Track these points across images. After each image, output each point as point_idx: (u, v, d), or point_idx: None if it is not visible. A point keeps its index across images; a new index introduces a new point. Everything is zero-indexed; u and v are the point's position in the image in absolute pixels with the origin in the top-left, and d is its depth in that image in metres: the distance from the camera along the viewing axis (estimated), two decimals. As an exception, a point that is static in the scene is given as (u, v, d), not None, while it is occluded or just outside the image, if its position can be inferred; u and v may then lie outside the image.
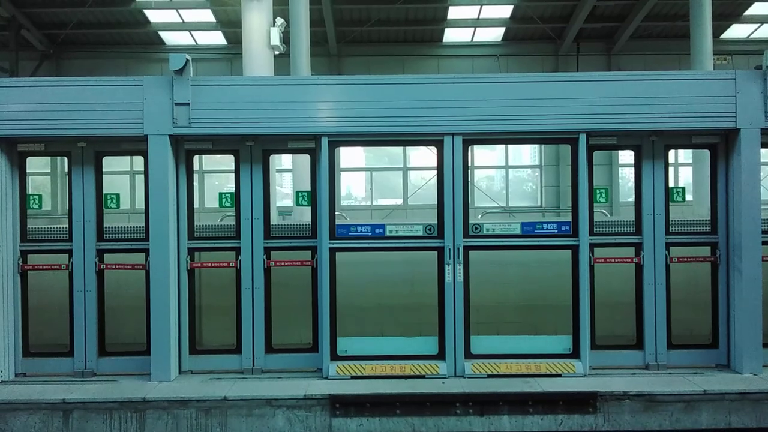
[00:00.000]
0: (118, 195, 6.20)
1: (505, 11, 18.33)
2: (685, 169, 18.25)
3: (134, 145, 6.09)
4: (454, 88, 5.95)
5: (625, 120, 5.91)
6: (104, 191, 6.18)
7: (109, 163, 6.30)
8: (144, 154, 5.93)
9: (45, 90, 5.93)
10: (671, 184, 6.22)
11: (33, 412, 5.38)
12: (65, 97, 5.88)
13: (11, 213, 6.09)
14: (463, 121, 5.92)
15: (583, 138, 5.96)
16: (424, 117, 5.91)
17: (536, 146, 19.02)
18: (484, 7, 17.95)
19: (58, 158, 15.94)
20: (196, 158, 6.32)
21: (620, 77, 6.17)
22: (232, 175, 6.26)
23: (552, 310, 6.31)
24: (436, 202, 6.10)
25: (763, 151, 6.02)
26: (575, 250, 5.99)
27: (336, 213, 6.16)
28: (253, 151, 6.18)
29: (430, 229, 6.07)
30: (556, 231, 6.08)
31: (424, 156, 17.81)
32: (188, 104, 5.84)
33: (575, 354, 5.97)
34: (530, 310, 6.46)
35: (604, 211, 12.88)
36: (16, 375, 6.07)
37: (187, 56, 5.85)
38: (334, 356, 5.98)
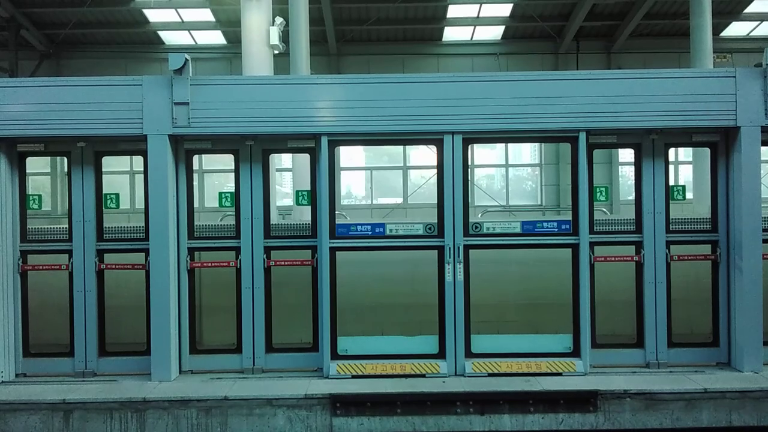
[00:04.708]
0: (117, 195, 6.20)
1: (505, 9, 18.31)
2: (685, 167, 18.22)
3: (134, 144, 6.09)
4: (453, 87, 5.94)
5: (625, 118, 5.90)
6: (104, 191, 6.17)
7: (109, 162, 6.29)
8: (143, 153, 5.93)
9: (44, 90, 5.93)
10: (671, 182, 6.22)
11: (33, 413, 5.38)
12: (65, 97, 5.88)
13: (11, 213, 6.09)
14: (462, 119, 5.91)
15: (583, 136, 5.96)
16: (423, 116, 5.91)
17: (536, 145, 19.00)
18: (483, 5, 17.94)
19: (58, 158, 15.94)
20: (195, 158, 6.31)
21: (620, 75, 6.17)
22: (232, 175, 6.25)
23: (552, 309, 6.31)
24: (436, 201, 6.09)
25: (763, 149, 6.01)
26: (575, 248, 5.98)
27: (336, 212, 6.16)
28: (253, 150, 6.18)
29: (430, 228, 6.06)
30: (556, 230, 6.08)
31: (424, 155, 17.80)
32: (187, 104, 5.83)
33: (576, 353, 5.97)
34: (531, 309, 6.47)
35: (604, 209, 12.88)
36: (17, 375, 6.07)
37: (187, 56, 5.84)
38: (335, 355, 5.98)
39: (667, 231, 6.13)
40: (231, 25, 17.76)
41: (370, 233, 6.10)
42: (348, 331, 6.08)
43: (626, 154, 17.18)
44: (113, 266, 6.12)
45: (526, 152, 20.30)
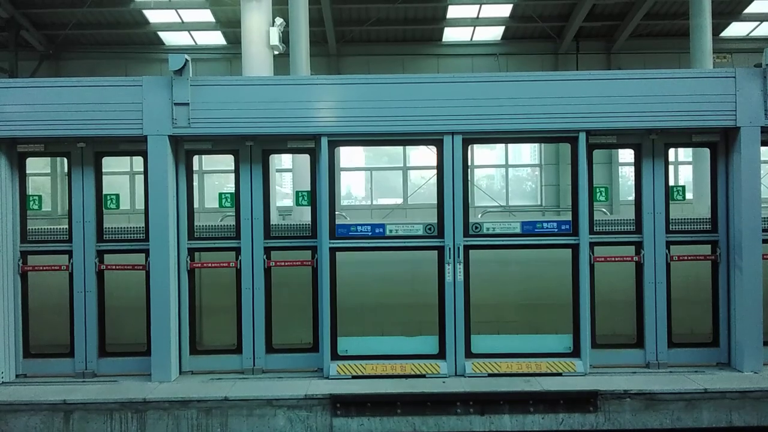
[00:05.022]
0: (117, 195, 6.20)
1: (505, 10, 18.32)
2: (685, 167, 18.24)
3: (134, 145, 6.09)
4: (453, 88, 5.94)
5: (624, 118, 5.91)
6: (104, 192, 6.17)
7: (109, 163, 6.29)
8: (144, 154, 5.93)
9: (44, 90, 5.93)
10: (671, 182, 6.22)
11: (34, 413, 5.38)
12: (65, 97, 5.88)
13: (11, 214, 6.08)
14: (462, 120, 5.91)
15: (582, 137, 5.96)
16: (423, 116, 5.91)
17: (536, 145, 19.01)
18: (483, 6, 17.95)
19: (58, 159, 15.93)
20: (195, 158, 6.31)
21: (620, 76, 6.17)
22: (232, 175, 6.26)
23: (552, 309, 6.31)
24: (436, 202, 6.09)
25: (763, 149, 6.02)
26: (575, 248, 5.98)
27: (336, 213, 6.15)
28: (253, 151, 6.18)
29: (430, 229, 6.06)
30: (556, 230, 6.08)
31: (424, 155, 17.80)
32: (187, 104, 5.83)
33: (576, 353, 5.97)
34: (531, 309, 6.46)
35: (604, 209, 12.88)
36: (17, 376, 6.07)
37: (187, 56, 5.84)
38: (335, 356, 5.97)
39: (666, 231, 6.13)
40: (231, 25, 17.77)
41: (370, 234, 6.10)
42: (348, 331, 6.08)
43: (626, 155, 17.19)
44: (113, 267, 6.12)
45: (526, 152, 20.30)
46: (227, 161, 6.40)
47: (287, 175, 18.39)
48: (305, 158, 6.32)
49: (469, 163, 6.36)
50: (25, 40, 18.54)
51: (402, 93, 5.93)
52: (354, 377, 5.85)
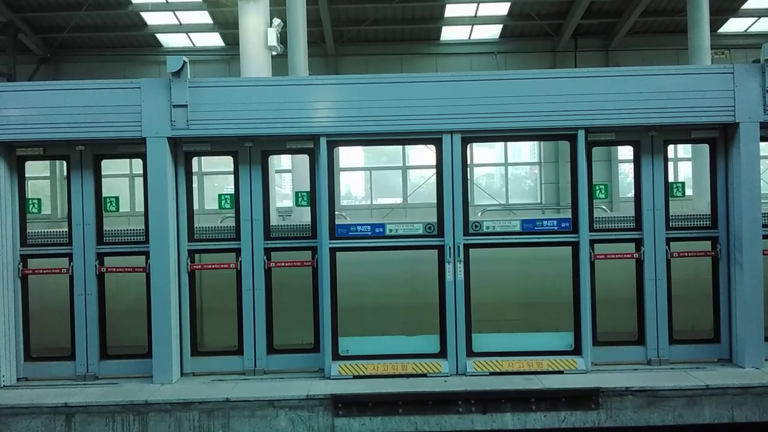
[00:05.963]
0: (117, 198, 6.20)
1: (503, 8, 18.33)
2: (684, 163, 18.25)
3: (133, 147, 6.09)
4: (452, 86, 5.94)
5: (623, 115, 5.90)
6: (103, 194, 6.17)
7: (108, 166, 6.29)
8: (143, 156, 5.93)
9: (43, 94, 5.92)
10: (671, 179, 6.22)
11: (35, 417, 5.38)
12: (63, 100, 5.88)
13: (11, 217, 6.08)
14: (461, 119, 5.91)
15: (581, 134, 5.96)
16: (422, 115, 5.91)
17: (535, 143, 19.01)
18: (481, 4, 17.96)
19: (57, 162, 15.91)
20: (195, 160, 6.31)
21: (618, 73, 6.15)
22: (232, 177, 6.25)
23: (553, 307, 6.31)
24: (435, 201, 6.09)
25: (762, 144, 6.01)
26: (575, 246, 5.98)
27: (336, 213, 6.15)
28: (252, 152, 6.18)
29: (430, 228, 6.06)
30: (556, 228, 6.08)
31: (424, 154, 17.81)
32: (186, 106, 5.83)
33: (577, 350, 5.97)
34: (531, 308, 6.46)
35: (603, 207, 12.86)
36: (18, 379, 6.07)
37: (185, 58, 5.84)
38: (336, 356, 5.97)
39: (666, 228, 6.13)
40: (229, 27, 17.78)
41: (369, 233, 6.10)
42: (349, 331, 6.08)
43: (625, 152, 17.20)
44: (114, 269, 6.13)
45: (526, 151, 20.31)
46: (226, 162, 6.40)
47: (287, 175, 18.39)
48: (304, 159, 6.32)
49: (469, 162, 6.35)
50: (23, 44, 18.54)
51: (400, 92, 5.93)
52: (355, 377, 5.85)
